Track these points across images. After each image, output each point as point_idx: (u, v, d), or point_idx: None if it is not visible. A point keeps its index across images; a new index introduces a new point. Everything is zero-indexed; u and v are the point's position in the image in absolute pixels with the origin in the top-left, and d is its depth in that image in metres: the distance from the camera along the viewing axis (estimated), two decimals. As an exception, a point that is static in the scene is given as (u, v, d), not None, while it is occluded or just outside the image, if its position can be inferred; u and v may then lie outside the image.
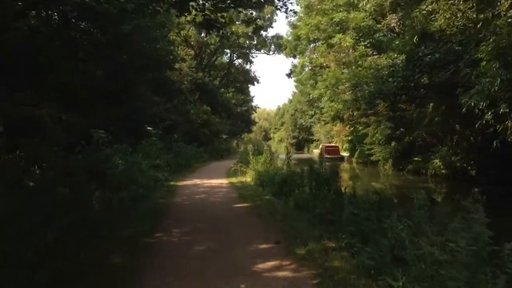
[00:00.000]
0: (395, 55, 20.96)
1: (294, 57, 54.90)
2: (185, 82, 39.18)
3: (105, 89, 19.04)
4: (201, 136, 38.29)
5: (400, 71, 19.34)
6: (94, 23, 20.75)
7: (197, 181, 20.14)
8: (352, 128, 49.63)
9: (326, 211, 8.76)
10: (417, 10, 17.42)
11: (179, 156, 26.54)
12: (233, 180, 20.16)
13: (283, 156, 27.11)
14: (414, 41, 17.58)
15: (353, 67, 24.45)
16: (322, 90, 27.28)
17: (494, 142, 15.60)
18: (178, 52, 37.42)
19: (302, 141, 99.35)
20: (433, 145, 28.32)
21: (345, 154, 55.77)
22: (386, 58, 22.23)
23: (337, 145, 59.79)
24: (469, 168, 24.07)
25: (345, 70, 26.58)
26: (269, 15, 52.55)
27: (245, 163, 22.45)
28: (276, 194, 14.23)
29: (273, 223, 9.30)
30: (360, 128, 47.07)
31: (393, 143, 32.44)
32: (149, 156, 19.94)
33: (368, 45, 24.93)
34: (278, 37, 55.84)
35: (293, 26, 52.02)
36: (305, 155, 70.38)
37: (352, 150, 51.56)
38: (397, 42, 20.14)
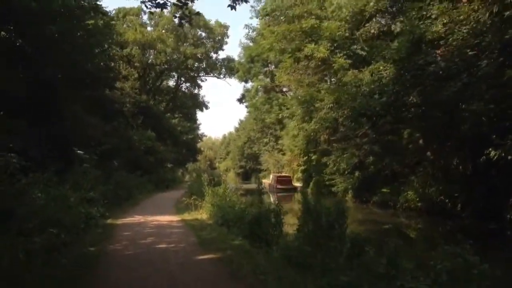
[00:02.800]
0: (381, 67, 18.41)
1: (246, 81, 52.51)
2: (127, 105, 35.37)
3: (23, 104, 15.32)
4: (145, 164, 34.40)
5: (390, 84, 16.78)
6: (9, 23, 16.98)
7: (141, 218, 16.41)
8: (306, 157, 47.20)
9: (358, 279, 5.51)
10: (414, 13, 14.98)
11: (120, 187, 22.63)
12: (186, 216, 16.59)
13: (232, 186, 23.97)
14: (409, 48, 15.13)
15: (331, 81, 21.45)
16: (293, 108, 23.93)
17: None
18: (120, 70, 33.71)
19: (249, 171, 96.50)
20: (403, 175, 26.02)
21: (298, 184, 52.99)
22: (370, 71, 19.60)
23: (289, 175, 57.02)
24: (447, 200, 21.79)
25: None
26: (219, 37, 49.77)
27: (198, 195, 18.90)
28: (247, 237, 10.99)
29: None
30: (314, 157, 44.64)
31: (356, 173, 29.95)
32: (81, 187, 16.09)
33: (345, 57, 22.17)
34: (229, 59, 52.99)
35: (247, 47, 49.42)
36: (253, 185, 67.05)
37: (306, 180, 48.80)
38: (393, 47, 17.25)
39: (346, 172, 29.65)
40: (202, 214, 16.46)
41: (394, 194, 26.46)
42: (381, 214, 26.02)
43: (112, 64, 27.64)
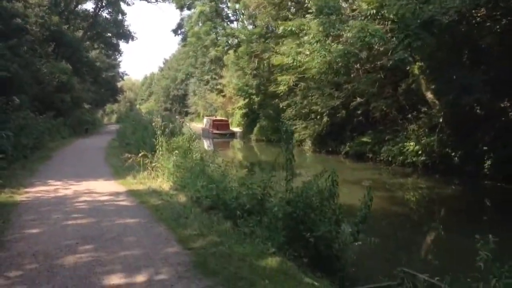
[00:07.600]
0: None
1: (182, 8, 44.92)
2: (34, 27, 27.28)
3: None
4: (58, 104, 27.23)
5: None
6: None
7: (60, 185, 10.37)
8: (247, 99, 41.64)
9: None
10: None
11: (24, 133, 16.02)
12: (133, 183, 10.62)
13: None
14: None
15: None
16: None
17: None
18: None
19: (175, 114, 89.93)
20: (382, 121, 21.64)
21: (236, 129, 47.55)
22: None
23: (226, 118, 51.45)
24: (453, 154, 17.60)
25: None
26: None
27: (142, 148, 12.86)
28: (283, 248, 5.68)
29: None
30: (256, 99, 39.11)
31: (325, 118, 25.04)
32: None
33: None
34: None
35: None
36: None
37: (248, 125, 43.25)
38: None
39: (316, 117, 24.60)
40: (158, 180, 10.65)
41: (374, 145, 22.05)
42: (360, 168, 21.31)
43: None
